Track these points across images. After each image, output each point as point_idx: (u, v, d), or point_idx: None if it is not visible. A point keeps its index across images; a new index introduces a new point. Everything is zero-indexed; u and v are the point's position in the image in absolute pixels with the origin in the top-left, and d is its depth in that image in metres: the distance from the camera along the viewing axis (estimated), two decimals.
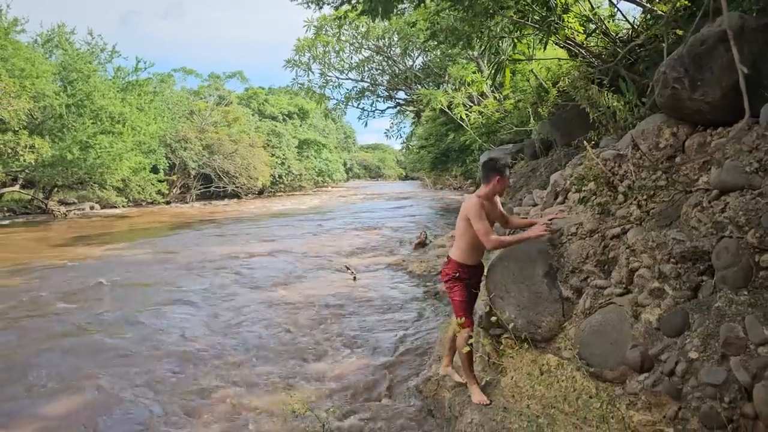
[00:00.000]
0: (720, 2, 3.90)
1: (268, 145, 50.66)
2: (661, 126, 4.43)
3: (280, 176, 51.95)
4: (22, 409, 5.48)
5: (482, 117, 17.74)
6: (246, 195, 46.10)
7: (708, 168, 3.86)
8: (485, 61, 18.66)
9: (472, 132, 17.59)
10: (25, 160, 25.05)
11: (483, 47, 12.80)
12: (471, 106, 18.74)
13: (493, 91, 18.51)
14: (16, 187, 28.66)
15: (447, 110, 19.30)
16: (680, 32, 5.48)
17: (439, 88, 23.48)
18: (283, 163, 52.53)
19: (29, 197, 29.90)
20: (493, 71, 12.42)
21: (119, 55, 34.11)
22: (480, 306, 5.48)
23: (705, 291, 3.44)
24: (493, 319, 4.76)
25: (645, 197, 4.16)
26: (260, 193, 49.33)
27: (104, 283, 11.15)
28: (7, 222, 25.69)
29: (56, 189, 31.19)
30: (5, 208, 28.57)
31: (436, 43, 12.11)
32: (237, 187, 43.96)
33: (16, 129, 24.31)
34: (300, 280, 11.38)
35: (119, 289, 10.77)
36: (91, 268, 13.12)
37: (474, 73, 18.95)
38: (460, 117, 18.11)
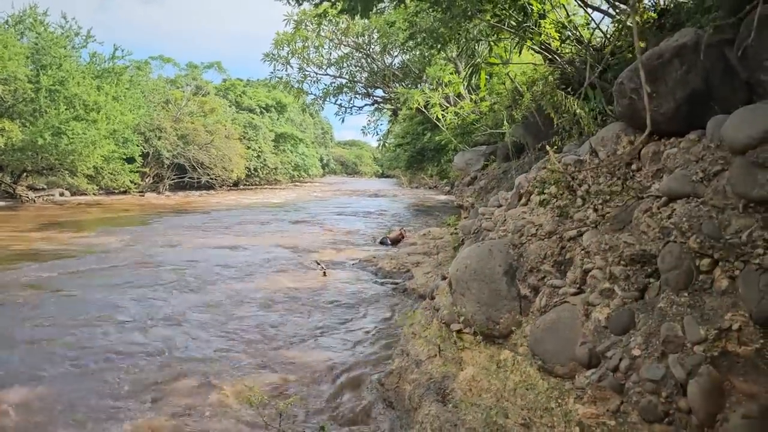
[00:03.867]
0: (682, 15, 4.11)
1: (245, 138, 50.39)
2: (620, 134, 4.63)
3: (255, 169, 51.79)
4: None
5: (458, 118, 17.95)
6: (220, 186, 45.81)
7: (660, 176, 4.07)
8: (462, 63, 18.91)
9: (447, 132, 17.79)
10: None
11: (461, 49, 13.03)
12: (447, 107, 18.93)
13: (469, 93, 18.74)
14: None
15: (424, 110, 19.48)
16: (642, 44, 5.68)
17: (417, 87, 23.66)
18: (258, 156, 52.34)
19: None
20: (469, 73, 12.62)
21: (94, 40, 33.68)
22: (443, 302, 5.66)
23: (651, 292, 3.64)
24: (453, 311, 4.93)
25: (601, 202, 4.35)
26: (235, 185, 49.08)
27: (61, 274, 11.11)
28: None
29: (25, 174, 30.65)
30: None
31: (414, 43, 12.28)
32: (211, 178, 43.69)
33: None
34: (270, 273, 11.44)
35: (80, 278, 10.73)
36: (53, 255, 13.02)
37: (451, 74, 19.17)
38: (437, 117, 18.30)
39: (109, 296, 9.30)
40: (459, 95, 19.42)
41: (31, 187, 30.99)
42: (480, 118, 15.77)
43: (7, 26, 30.38)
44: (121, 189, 35.22)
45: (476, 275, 4.96)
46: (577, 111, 6.11)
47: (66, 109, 27.77)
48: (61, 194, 32.25)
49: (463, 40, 10.45)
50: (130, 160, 34.96)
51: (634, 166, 4.44)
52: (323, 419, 5.05)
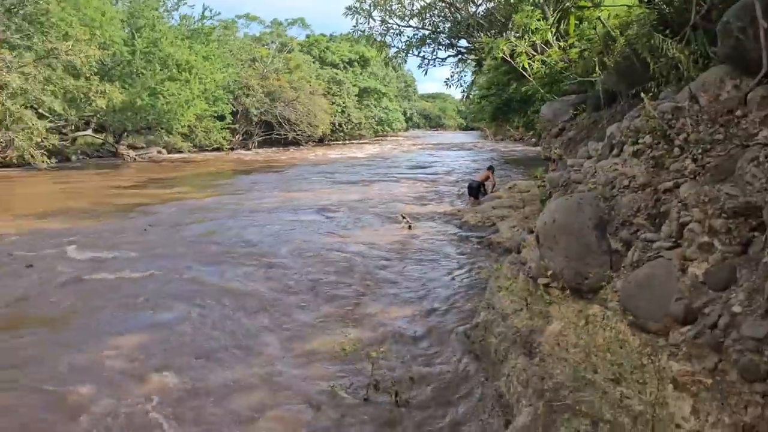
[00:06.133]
0: None
1: (329, 93, 50.75)
2: (724, 78, 4.30)
3: (339, 124, 52.27)
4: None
5: (545, 67, 17.24)
6: (306, 142, 46.60)
7: None
8: (550, 9, 18.04)
9: (534, 82, 17.18)
10: (96, 105, 26.04)
11: None
12: (534, 56, 18.20)
13: (557, 40, 17.92)
14: (89, 132, 29.92)
15: (509, 59, 18.84)
16: None
17: (502, 36, 22.80)
18: (343, 111, 52.71)
19: (101, 141, 31.17)
20: (557, 18, 12.02)
21: (185, 3, 34.69)
22: (530, 255, 5.57)
23: (755, 247, 3.42)
24: (541, 265, 4.85)
25: (701, 151, 4.09)
26: (320, 140, 49.75)
27: (149, 228, 11.72)
28: (84, 165, 27.02)
29: (126, 134, 32.34)
30: (79, 151, 29.94)
31: None
32: (297, 134, 44.51)
33: (88, 75, 25.22)
34: (357, 227, 11.63)
35: (180, 232, 11.29)
36: (159, 212, 13.79)
37: (539, 20, 18.34)
38: (523, 66, 17.65)
39: (204, 261, 9.78)
40: (546, 43, 18.57)
41: (131, 146, 32.72)
42: (568, 66, 15.10)
43: None
44: (214, 146, 36.50)
45: (564, 229, 4.82)
46: (676, 54, 5.70)
47: (161, 70, 28.95)
48: (159, 152, 33.87)
49: None
50: (221, 117, 36.15)
51: (738, 113, 4.12)
52: (412, 369, 5.15)
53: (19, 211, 13.59)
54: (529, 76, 17.73)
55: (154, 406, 4.57)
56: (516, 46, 17.99)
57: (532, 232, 6.26)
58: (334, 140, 52.68)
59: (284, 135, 44.01)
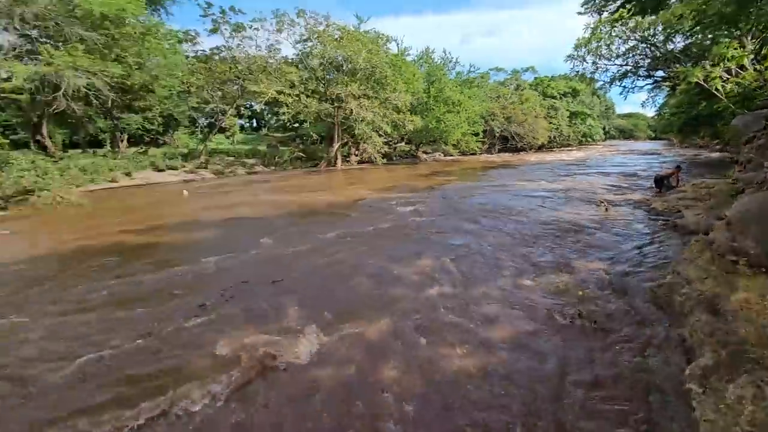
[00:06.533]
0: None
1: (547, 116, 46.51)
2: None
3: (554, 137, 47.70)
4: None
5: (739, 87, 13.19)
6: (529, 149, 43.63)
7: None
8: (749, 38, 13.53)
9: (726, 101, 13.27)
10: (407, 128, 27.96)
11: (751, 25, 9.27)
12: (728, 78, 13.98)
13: (753, 63, 13.46)
14: (402, 143, 32.37)
15: (702, 83, 14.79)
16: None
17: (697, 65, 18.02)
18: (557, 128, 47.92)
19: (408, 149, 33.51)
20: (758, 45, 8.98)
21: (459, 64, 34.86)
22: (719, 237, 4.38)
23: None
24: (729, 246, 3.78)
25: None
26: (539, 148, 46.08)
27: (444, 198, 12.09)
28: (399, 162, 29.51)
29: (421, 144, 34.20)
30: (397, 155, 32.66)
31: (702, 27, 9.23)
32: (524, 144, 42.01)
33: (403, 111, 27.13)
34: (567, 206, 10.50)
35: (456, 199, 11.53)
36: (439, 190, 14.31)
37: (735, 49, 13.98)
38: (716, 88, 13.74)
39: (472, 216, 9.85)
40: (741, 67, 14.09)
41: (424, 152, 34.52)
42: (763, 86, 11.26)
43: (414, 62, 33.54)
44: (471, 152, 36.51)
45: (758, 218, 3.66)
46: None
47: (443, 106, 29.81)
48: (439, 155, 35.15)
49: (754, 16, 7.41)
50: (476, 134, 35.94)
51: None
52: (607, 307, 4.52)
53: (370, 186, 15.43)
54: (721, 95, 13.75)
55: (440, 304, 4.81)
56: (710, 72, 14.08)
57: (721, 219, 4.90)
58: (549, 148, 48.18)
59: (514, 144, 41.81)
